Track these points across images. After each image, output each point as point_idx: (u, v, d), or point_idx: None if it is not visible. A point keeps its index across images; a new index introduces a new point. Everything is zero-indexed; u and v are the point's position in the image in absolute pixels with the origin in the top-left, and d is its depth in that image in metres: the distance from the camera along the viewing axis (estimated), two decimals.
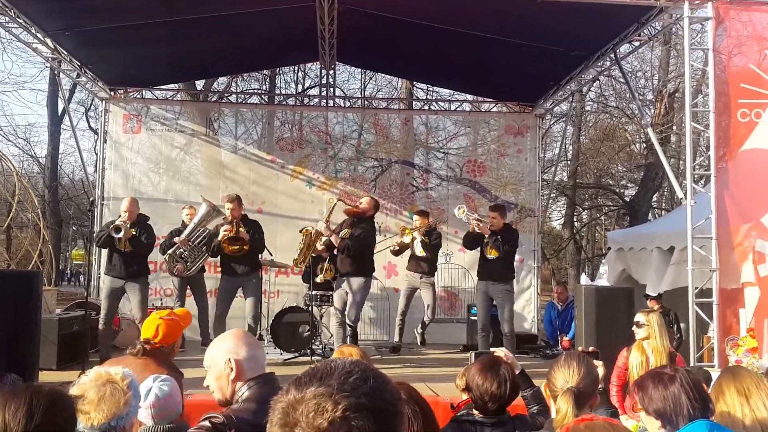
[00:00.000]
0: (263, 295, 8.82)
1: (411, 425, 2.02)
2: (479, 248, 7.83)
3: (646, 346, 4.73)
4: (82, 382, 2.31)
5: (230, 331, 2.49)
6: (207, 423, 2.12)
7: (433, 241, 8.39)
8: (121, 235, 7.37)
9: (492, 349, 3.37)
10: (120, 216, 7.61)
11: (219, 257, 7.96)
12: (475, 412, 2.70)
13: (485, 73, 10.15)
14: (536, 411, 3.06)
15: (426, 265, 8.43)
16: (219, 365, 2.30)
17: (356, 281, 7.55)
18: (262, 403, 2.13)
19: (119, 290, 7.55)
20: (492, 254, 7.53)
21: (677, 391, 2.20)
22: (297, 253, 8.26)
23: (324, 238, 7.78)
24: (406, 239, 8.40)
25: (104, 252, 9.47)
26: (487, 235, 7.52)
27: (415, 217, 8.68)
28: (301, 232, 8.39)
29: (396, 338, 8.68)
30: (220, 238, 7.67)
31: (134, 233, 7.49)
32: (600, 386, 2.68)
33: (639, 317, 4.79)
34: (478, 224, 7.53)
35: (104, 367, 2.46)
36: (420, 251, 8.41)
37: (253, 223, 7.98)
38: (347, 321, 7.64)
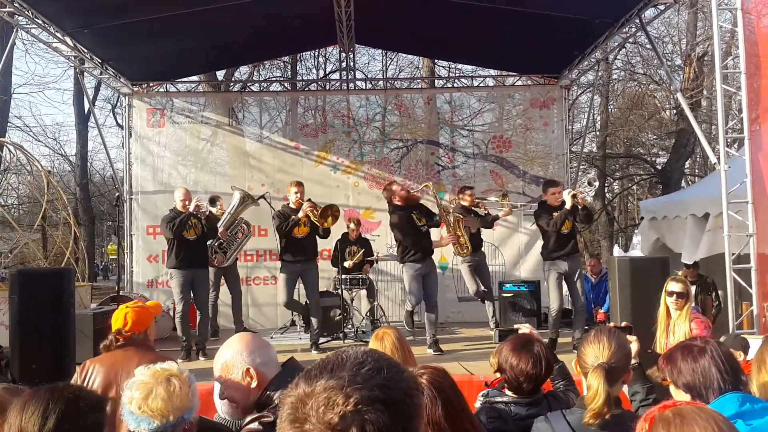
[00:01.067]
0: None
1: (428, 410, 1.95)
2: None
3: (675, 316, 4.59)
4: (142, 381, 2.22)
5: (237, 337, 2.32)
6: (256, 425, 2.03)
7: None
8: (218, 204, 7.57)
9: (516, 326, 3.29)
10: (176, 205, 7.42)
11: (284, 242, 7.64)
12: (508, 392, 2.64)
13: (508, 46, 9.97)
14: (563, 387, 2.99)
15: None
16: (236, 377, 2.17)
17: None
18: None
19: (191, 281, 7.37)
20: (567, 228, 7.22)
21: (707, 363, 2.12)
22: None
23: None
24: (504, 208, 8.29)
25: (143, 246, 9.62)
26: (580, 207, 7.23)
27: (466, 194, 8.42)
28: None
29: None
30: (302, 214, 7.39)
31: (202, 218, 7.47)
32: (635, 361, 2.59)
33: (675, 286, 4.63)
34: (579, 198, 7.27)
35: (157, 365, 2.37)
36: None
37: None
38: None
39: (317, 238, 7.69)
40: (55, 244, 11.44)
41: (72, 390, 1.82)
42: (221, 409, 2.51)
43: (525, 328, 3.01)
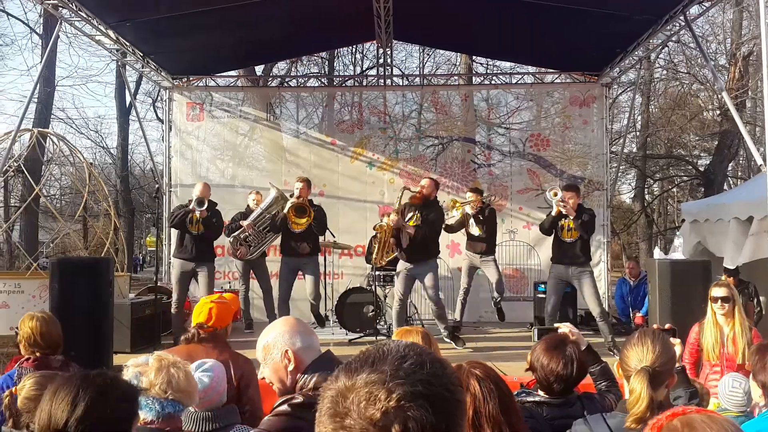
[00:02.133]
0: (327, 277, 8.89)
1: (486, 404, 1.92)
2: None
3: (723, 322, 4.47)
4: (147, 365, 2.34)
5: (281, 320, 2.38)
6: (285, 407, 2.05)
7: (486, 216, 8.19)
8: (204, 207, 7.61)
9: (556, 325, 3.23)
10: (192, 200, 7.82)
11: (280, 236, 8.04)
12: (540, 392, 2.59)
13: (547, 42, 9.82)
14: (604, 388, 2.92)
15: (483, 245, 8.25)
16: (275, 358, 2.20)
17: (428, 265, 7.44)
18: None
19: (189, 273, 7.80)
20: (571, 237, 7.22)
21: None
22: (375, 252, 7.97)
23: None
24: (455, 213, 8.23)
25: (174, 236, 9.76)
26: (572, 217, 7.19)
27: (469, 194, 8.49)
28: (374, 229, 8.23)
29: (456, 317, 8.50)
30: (288, 205, 7.76)
31: (207, 215, 7.74)
32: (678, 365, 2.52)
33: (718, 291, 4.50)
34: (565, 207, 7.20)
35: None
36: (475, 230, 8.24)
37: (317, 207, 8.04)
38: (435, 306, 7.54)
39: (315, 234, 7.97)
40: (95, 234, 11.65)
41: (104, 378, 1.81)
42: None
43: (564, 327, 2.95)
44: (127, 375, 2.35)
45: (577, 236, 7.20)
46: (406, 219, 7.50)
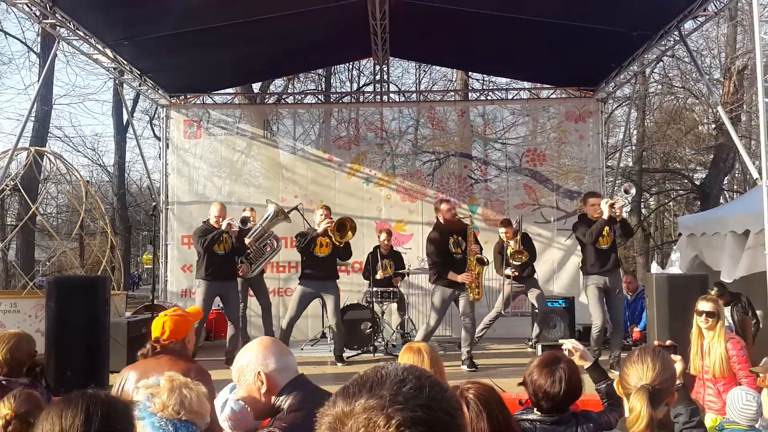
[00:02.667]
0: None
1: (473, 423, 1.90)
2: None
3: (706, 335, 4.47)
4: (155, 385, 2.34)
5: (256, 340, 2.36)
6: None
7: (527, 246, 8.23)
8: (246, 226, 7.70)
9: (560, 341, 3.20)
10: (210, 219, 7.72)
11: (303, 260, 7.87)
12: (533, 409, 2.58)
13: (543, 58, 9.88)
14: (608, 406, 2.90)
15: (530, 269, 8.25)
16: (248, 379, 2.20)
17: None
18: (306, 408, 2.07)
19: (215, 292, 7.64)
20: (606, 243, 7.11)
21: None
22: (473, 290, 7.50)
23: None
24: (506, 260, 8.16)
25: (178, 256, 9.77)
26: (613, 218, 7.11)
27: (502, 229, 8.41)
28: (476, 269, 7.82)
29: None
30: (321, 229, 7.60)
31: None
32: (679, 382, 2.50)
33: (705, 305, 4.50)
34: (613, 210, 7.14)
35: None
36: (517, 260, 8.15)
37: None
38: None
39: (337, 259, 7.85)
40: (92, 252, 11.62)
41: (106, 394, 1.84)
42: (224, 425, 2.56)
43: (569, 344, 2.93)
44: (139, 396, 2.33)
45: (611, 241, 7.12)
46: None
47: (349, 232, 7.77)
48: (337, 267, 8.03)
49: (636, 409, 2.02)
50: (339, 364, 7.54)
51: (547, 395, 2.49)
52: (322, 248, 7.67)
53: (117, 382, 3.28)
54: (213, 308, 8.16)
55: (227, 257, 7.63)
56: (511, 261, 8.12)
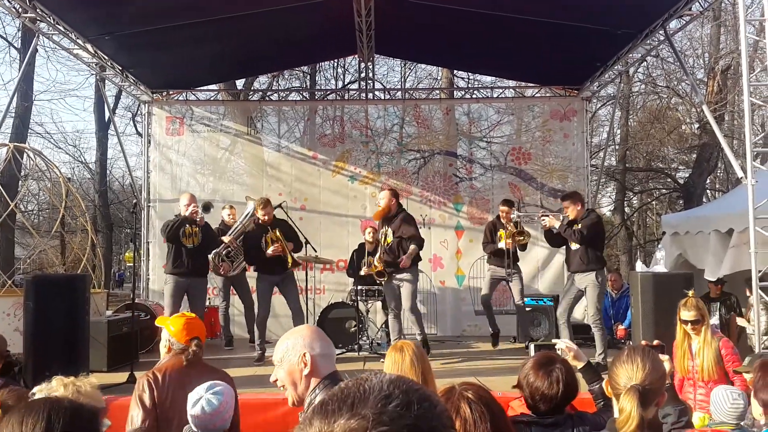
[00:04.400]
0: (309, 292, 8.79)
1: (476, 427, 1.83)
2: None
3: (693, 337, 4.45)
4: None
5: (304, 326, 2.42)
6: None
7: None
8: (209, 213, 7.39)
9: (554, 341, 3.17)
10: (180, 210, 7.55)
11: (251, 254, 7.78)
12: (529, 411, 2.53)
13: (528, 57, 9.87)
14: (602, 406, 2.87)
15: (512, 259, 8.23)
16: (292, 360, 2.20)
17: (407, 274, 7.33)
18: None
19: (184, 289, 7.47)
20: (574, 244, 7.07)
21: None
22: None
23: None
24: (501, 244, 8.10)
25: (160, 254, 9.60)
26: (556, 227, 7.12)
27: (503, 207, 8.32)
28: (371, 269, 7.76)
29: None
30: (271, 252, 7.41)
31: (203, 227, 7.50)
32: (667, 382, 2.47)
33: (687, 314, 4.46)
34: (544, 219, 7.20)
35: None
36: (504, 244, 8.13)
37: (282, 223, 7.82)
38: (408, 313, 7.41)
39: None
40: (72, 250, 11.46)
41: (69, 401, 1.78)
42: (191, 421, 2.60)
43: (562, 344, 2.90)
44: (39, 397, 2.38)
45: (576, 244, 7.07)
46: (383, 241, 7.38)
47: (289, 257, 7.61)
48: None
49: (626, 410, 1.98)
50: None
51: (544, 397, 2.45)
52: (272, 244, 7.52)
53: (155, 387, 3.18)
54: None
55: (196, 251, 7.43)
56: (500, 242, 8.08)
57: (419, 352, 2.90)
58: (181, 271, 7.38)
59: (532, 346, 6.03)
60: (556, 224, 7.14)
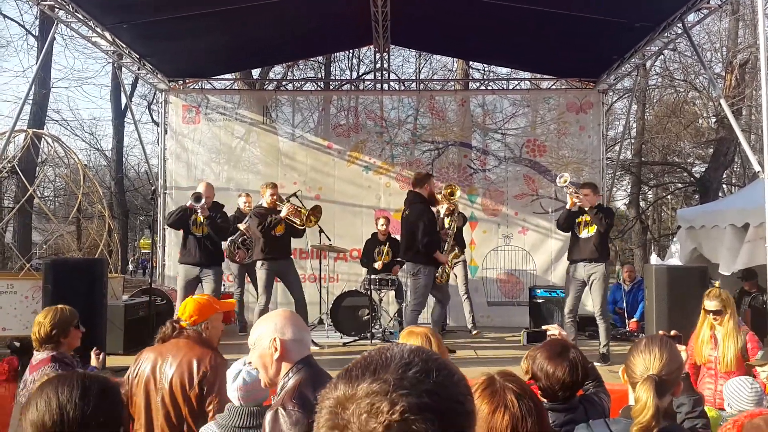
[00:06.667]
0: (323, 280, 8.86)
1: (525, 423, 1.81)
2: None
3: (722, 330, 4.45)
4: None
5: (278, 310, 2.45)
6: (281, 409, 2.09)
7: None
8: (201, 204, 7.10)
9: (544, 327, 3.18)
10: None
11: (261, 241, 7.59)
12: (543, 399, 2.54)
13: (545, 49, 9.83)
14: (592, 389, 2.89)
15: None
16: (264, 344, 2.26)
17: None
18: (309, 387, 2.13)
19: (196, 279, 7.34)
20: (588, 232, 6.95)
21: None
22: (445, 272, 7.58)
23: None
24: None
25: (176, 240, 9.65)
26: (587, 209, 6.92)
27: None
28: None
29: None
30: (284, 214, 7.41)
31: (211, 215, 7.35)
32: (684, 372, 2.48)
33: (710, 304, 4.46)
34: (578, 198, 6.94)
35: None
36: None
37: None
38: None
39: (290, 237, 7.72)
40: (89, 236, 11.58)
41: (97, 374, 1.86)
42: (233, 395, 2.66)
43: (553, 329, 2.92)
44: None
45: (593, 231, 6.91)
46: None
47: (312, 219, 7.66)
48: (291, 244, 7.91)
49: (642, 399, 2.00)
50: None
51: (565, 385, 2.44)
52: (279, 227, 7.51)
53: (133, 364, 3.25)
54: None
55: (205, 240, 7.33)
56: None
57: (440, 340, 2.90)
58: (189, 261, 7.30)
59: (524, 333, 6.07)
60: (587, 205, 6.96)
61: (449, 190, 8.11)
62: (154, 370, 3.14)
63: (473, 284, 9.89)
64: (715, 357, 4.46)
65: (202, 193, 7.21)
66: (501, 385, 1.80)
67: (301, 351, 2.27)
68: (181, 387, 3.07)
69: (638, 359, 2.16)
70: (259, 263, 7.55)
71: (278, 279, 7.81)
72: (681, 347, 2.51)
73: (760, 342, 4.54)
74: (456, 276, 8.62)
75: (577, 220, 7.06)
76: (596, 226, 6.88)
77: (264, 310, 7.42)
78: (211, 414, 3.04)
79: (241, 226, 8.16)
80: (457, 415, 0.93)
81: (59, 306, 3.80)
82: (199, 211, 7.23)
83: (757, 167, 6.78)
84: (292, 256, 7.85)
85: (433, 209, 7.45)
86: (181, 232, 7.63)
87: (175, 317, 3.35)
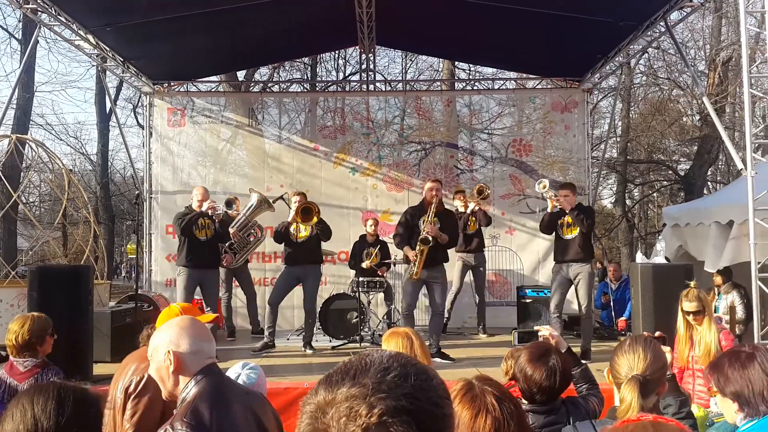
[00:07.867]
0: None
1: (507, 425, 1.81)
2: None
3: (700, 329, 4.47)
4: None
5: (176, 319, 2.33)
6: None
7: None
8: (232, 209, 7.41)
9: (536, 328, 3.20)
10: (192, 203, 7.47)
11: (283, 244, 7.75)
12: (524, 401, 2.55)
13: (530, 48, 9.87)
14: (585, 391, 2.90)
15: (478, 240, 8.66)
16: (159, 357, 2.16)
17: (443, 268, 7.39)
18: (205, 402, 2.05)
19: (196, 280, 7.37)
20: (571, 233, 7.04)
21: (756, 371, 2.02)
22: (413, 267, 7.23)
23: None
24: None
25: (163, 245, 9.63)
26: (567, 211, 7.00)
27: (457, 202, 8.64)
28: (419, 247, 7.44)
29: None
30: (291, 218, 7.55)
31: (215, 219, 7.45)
32: (669, 373, 2.50)
33: (688, 306, 4.47)
34: (558, 200, 7.02)
35: None
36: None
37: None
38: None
39: (319, 242, 7.80)
40: (74, 242, 11.49)
41: (75, 384, 1.86)
42: None
43: (545, 330, 2.93)
44: None
45: (576, 232, 7.00)
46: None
47: (314, 216, 7.64)
48: (320, 252, 7.95)
49: (627, 399, 2.01)
50: (308, 351, 7.49)
51: (542, 389, 2.46)
52: (300, 233, 7.62)
53: (123, 374, 3.17)
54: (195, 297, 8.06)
55: (209, 244, 7.38)
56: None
57: (422, 340, 2.91)
58: (193, 263, 7.30)
59: (515, 334, 6.08)
60: (568, 207, 7.01)
61: (478, 188, 8.81)
62: (116, 381, 3.13)
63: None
64: (693, 357, 4.48)
65: (233, 200, 7.34)
66: (480, 389, 1.79)
67: (200, 362, 2.16)
68: (124, 393, 3.04)
69: (622, 360, 2.17)
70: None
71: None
72: (665, 348, 2.52)
73: (736, 340, 4.57)
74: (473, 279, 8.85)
75: (559, 222, 7.12)
76: (579, 228, 6.95)
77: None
78: (127, 425, 2.92)
79: (230, 230, 8.14)
80: (434, 418, 0.95)
81: (33, 313, 3.76)
82: (214, 216, 7.32)
83: (740, 165, 6.84)
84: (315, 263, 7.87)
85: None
86: (171, 236, 7.65)
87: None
